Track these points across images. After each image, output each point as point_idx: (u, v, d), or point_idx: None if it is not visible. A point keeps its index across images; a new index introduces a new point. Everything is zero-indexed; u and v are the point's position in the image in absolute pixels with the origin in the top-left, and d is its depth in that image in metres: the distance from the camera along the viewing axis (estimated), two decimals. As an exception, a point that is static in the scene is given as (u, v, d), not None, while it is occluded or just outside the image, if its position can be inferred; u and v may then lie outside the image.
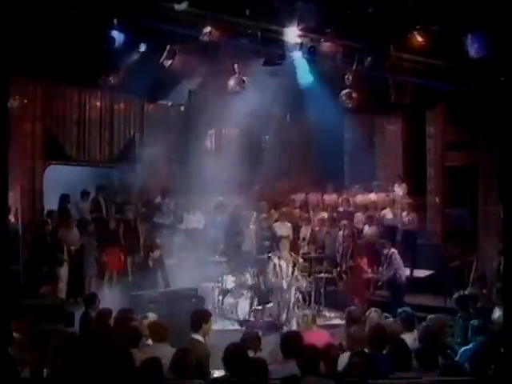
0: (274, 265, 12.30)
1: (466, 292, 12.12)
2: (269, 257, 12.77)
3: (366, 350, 7.15)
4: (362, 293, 14.47)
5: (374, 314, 8.45)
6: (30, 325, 8.05)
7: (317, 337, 8.36)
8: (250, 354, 7.11)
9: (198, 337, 7.75)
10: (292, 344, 7.01)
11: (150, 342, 7.87)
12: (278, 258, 12.36)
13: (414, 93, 15.14)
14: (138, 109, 17.77)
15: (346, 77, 14.82)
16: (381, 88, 15.12)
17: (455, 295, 10.30)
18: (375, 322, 8.10)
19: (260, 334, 8.24)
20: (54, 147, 15.89)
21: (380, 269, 14.50)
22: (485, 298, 11.07)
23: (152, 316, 8.56)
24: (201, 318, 7.98)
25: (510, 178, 14.09)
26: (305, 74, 15.57)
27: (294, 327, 11.11)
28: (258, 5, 12.69)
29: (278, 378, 6.13)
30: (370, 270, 15.13)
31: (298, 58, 14.38)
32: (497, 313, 9.78)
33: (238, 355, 6.58)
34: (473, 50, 11.47)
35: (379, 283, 14.98)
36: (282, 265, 12.31)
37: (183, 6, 11.99)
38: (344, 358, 7.02)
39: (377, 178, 18.91)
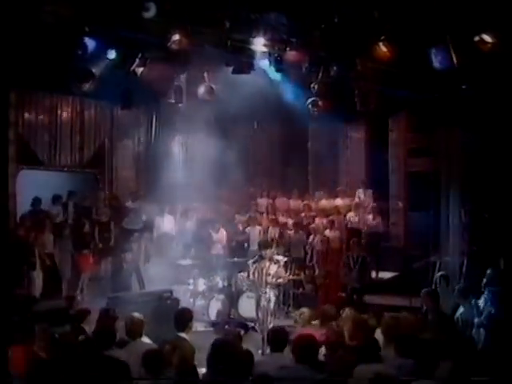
0: (248, 274, 12.20)
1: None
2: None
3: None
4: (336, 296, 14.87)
5: (351, 311, 8.82)
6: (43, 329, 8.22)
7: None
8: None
9: (183, 335, 7.99)
10: (279, 338, 7.36)
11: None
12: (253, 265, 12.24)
13: (377, 100, 15.51)
14: (108, 115, 17.91)
15: (312, 85, 15.16)
16: (346, 96, 15.52)
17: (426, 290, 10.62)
18: (356, 317, 8.45)
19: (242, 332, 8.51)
20: (27, 152, 16.00)
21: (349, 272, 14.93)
22: (448, 295, 11.49)
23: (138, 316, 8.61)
24: (186, 317, 8.27)
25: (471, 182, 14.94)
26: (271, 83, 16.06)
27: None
28: (229, 15, 12.99)
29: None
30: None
31: (266, 67, 14.68)
32: (460, 310, 10.28)
33: (224, 350, 6.83)
34: (437, 61, 11.89)
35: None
36: (257, 273, 12.20)
37: (151, 12, 12.26)
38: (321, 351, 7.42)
39: (341, 184, 19.37)
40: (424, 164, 17.00)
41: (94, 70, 13.50)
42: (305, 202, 18.04)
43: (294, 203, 18.39)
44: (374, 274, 15.63)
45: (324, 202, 18.05)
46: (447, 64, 11.78)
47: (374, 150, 19.00)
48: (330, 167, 19.88)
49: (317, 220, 16.93)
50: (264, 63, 14.32)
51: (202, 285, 14.25)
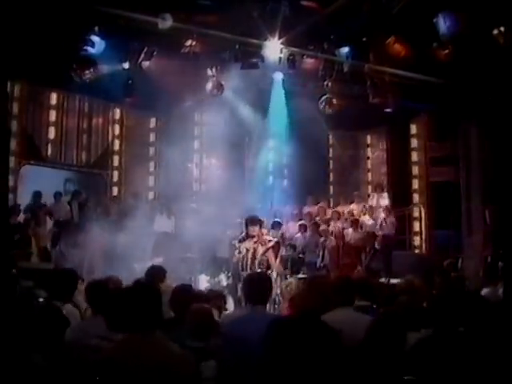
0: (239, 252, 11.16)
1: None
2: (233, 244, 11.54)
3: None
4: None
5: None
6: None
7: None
8: (215, 313, 6.48)
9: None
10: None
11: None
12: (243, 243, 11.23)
13: (396, 101, 14.96)
14: (116, 117, 17.66)
15: (326, 83, 14.69)
16: (361, 93, 14.98)
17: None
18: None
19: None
20: (30, 147, 15.71)
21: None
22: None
23: None
24: (156, 277, 7.47)
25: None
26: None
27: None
28: (239, 17, 12.70)
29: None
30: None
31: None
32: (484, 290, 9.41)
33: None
34: (445, 28, 11.34)
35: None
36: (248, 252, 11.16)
37: (167, 23, 12.25)
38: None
39: (362, 192, 18.84)
40: (446, 173, 16.46)
41: (103, 69, 13.41)
42: (320, 205, 17.50)
43: (308, 210, 17.69)
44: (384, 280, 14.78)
45: (340, 208, 17.55)
46: (455, 30, 11.19)
47: (395, 158, 18.41)
48: (351, 178, 19.20)
49: (332, 223, 16.57)
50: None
51: (204, 282, 13.53)
